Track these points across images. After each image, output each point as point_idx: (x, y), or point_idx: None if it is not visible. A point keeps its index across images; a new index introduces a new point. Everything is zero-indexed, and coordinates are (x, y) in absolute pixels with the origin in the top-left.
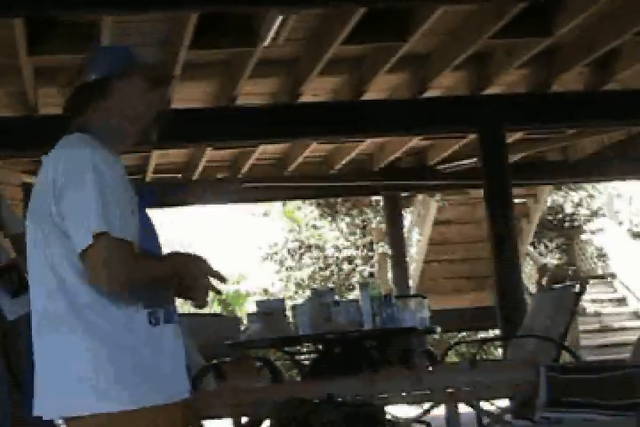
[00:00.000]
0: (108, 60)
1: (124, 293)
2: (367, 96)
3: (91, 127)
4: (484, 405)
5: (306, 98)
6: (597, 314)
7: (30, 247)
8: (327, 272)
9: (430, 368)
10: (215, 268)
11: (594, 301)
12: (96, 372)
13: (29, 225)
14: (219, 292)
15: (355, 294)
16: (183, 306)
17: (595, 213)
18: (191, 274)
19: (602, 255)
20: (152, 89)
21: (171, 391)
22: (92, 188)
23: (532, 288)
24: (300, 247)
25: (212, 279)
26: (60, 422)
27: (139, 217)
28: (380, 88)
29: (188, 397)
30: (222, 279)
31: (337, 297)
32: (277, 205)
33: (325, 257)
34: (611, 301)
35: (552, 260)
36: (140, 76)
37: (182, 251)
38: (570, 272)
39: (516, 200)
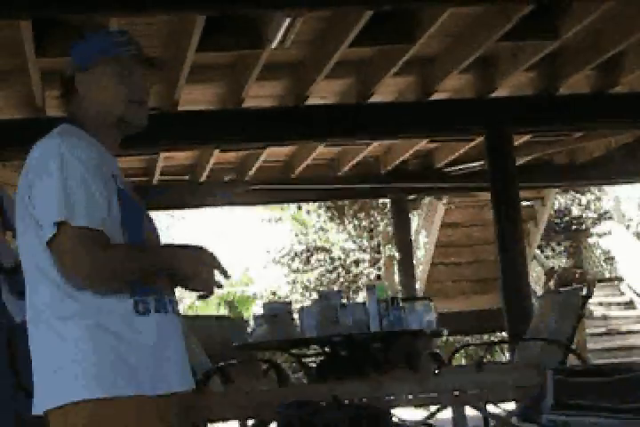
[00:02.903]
0: (78, 53)
1: (93, 283)
2: (374, 99)
3: (77, 118)
4: (491, 408)
5: (312, 100)
6: (604, 317)
7: (17, 239)
8: (334, 275)
9: (437, 371)
10: (220, 262)
11: (601, 304)
12: (72, 361)
13: (17, 218)
14: (220, 286)
15: (362, 297)
16: (188, 309)
17: (602, 216)
18: (188, 266)
19: (609, 258)
20: (118, 78)
21: (151, 383)
22: (56, 176)
23: (539, 291)
24: (308, 250)
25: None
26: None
27: (134, 212)
28: (386, 91)
29: (181, 391)
30: (225, 274)
31: (344, 299)
32: (289, 210)
33: (332, 260)
34: (618, 304)
35: (559, 263)
36: (103, 67)
37: (185, 243)
38: (577, 275)
39: (523, 203)
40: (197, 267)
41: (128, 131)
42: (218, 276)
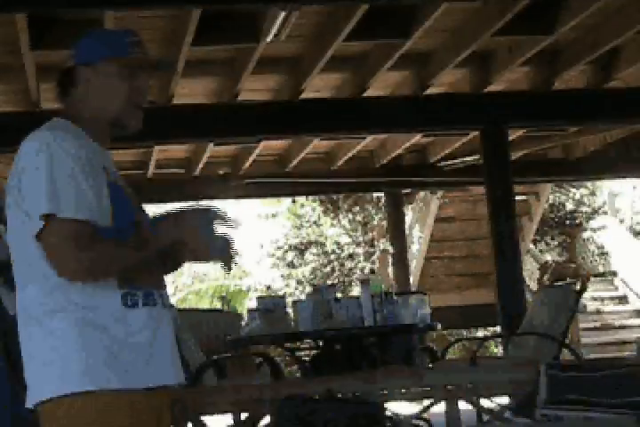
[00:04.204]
0: (86, 46)
1: (81, 276)
2: (369, 93)
3: (69, 112)
4: (485, 402)
5: (308, 95)
6: (598, 312)
7: (8, 234)
8: (328, 269)
9: (431, 365)
10: (222, 214)
11: (595, 299)
12: (62, 355)
13: (7, 211)
14: (236, 254)
15: (356, 291)
16: (182, 303)
17: (596, 211)
18: (190, 238)
19: (603, 253)
20: (122, 79)
21: (142, 377)
22: (44, 170)
23: (533, 286)
24: (302, 244)
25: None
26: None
27: (125, 206)
28: (382, 85)
29: (172, 385)
30: (234, 225)
31: (338, 294)
32: (284, 206)
33: (327, 254)
34: (611, 299)
35: (553, 257)
36: (110, 66)
37: (177, 209)
38: (571, 270)
39: (518, 197)
40: (199, 236)
41: (121, 131)
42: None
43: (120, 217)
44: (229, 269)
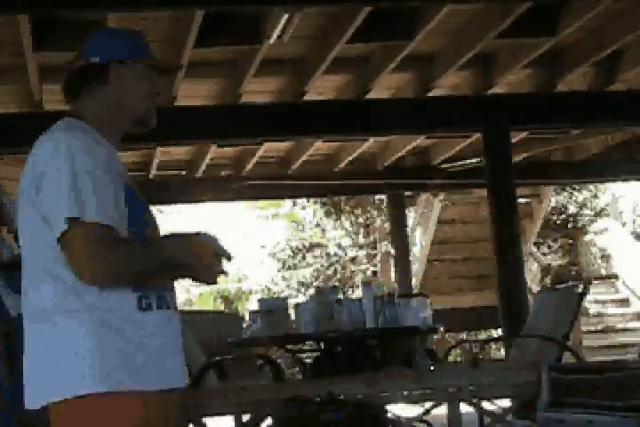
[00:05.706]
0: (113, 44)
1: (103, 280)
2: (372, 95)
3: (85, 112)
4: (486, 405)
5: (310, 96)
6: (600, 315)
7: (20, 235)
8: (330, 271)
9: (432, 368)
10: (222, 245)
11: (597, 301)
12: (76, 356)
13: (18, 213)
14: (223, 272)
15: (358, 293)
16: (184, 305)
17: (598, 214)
18: (188, 255)
19: (605, 256)
20: (151, 79)
21: (155, 379)
22: (66, 172)
23: (535, 288)
24: (304, 246)
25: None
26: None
27: (139, 207)
28: (384, 87)
29: (176, 388)
30: (228, 257)
31: (340, 296)
32: (287, 207)
33: (328, 256)
34: (613, 301)
35: (555, 260)
36: (141, 65)
37: (184, 232)
38: (573, 273)
39: (520, 200)
40: (198, 255)
41: (140, 129)
42: (222, 260)
43: (133, 219)
44: (211, 284)
